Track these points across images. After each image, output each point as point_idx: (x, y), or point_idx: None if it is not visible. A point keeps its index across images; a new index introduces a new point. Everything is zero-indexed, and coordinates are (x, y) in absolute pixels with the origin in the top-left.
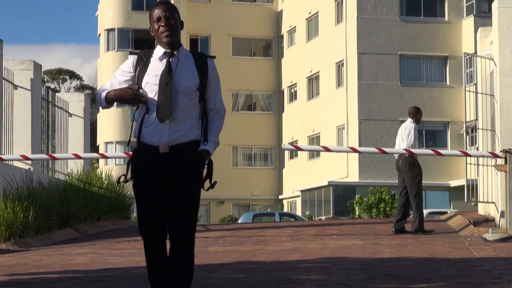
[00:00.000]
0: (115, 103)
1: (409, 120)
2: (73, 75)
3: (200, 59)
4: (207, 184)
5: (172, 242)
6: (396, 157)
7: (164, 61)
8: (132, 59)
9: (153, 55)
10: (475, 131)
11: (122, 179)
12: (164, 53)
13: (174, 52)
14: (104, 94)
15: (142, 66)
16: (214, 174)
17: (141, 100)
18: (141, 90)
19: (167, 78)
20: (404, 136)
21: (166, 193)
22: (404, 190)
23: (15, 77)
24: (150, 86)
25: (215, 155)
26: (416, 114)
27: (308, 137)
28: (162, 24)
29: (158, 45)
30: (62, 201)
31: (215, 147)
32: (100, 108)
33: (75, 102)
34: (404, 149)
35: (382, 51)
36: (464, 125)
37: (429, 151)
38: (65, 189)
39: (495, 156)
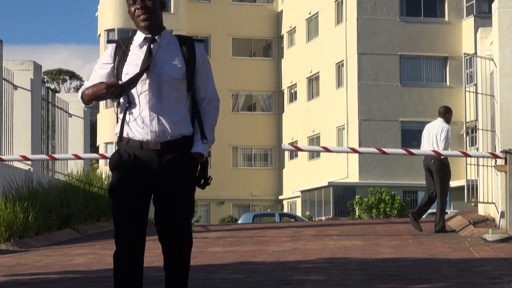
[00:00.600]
0: (101, 102)
1: (440, 120)
2: (73, 75)
3: (186, 44)
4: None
5: (169, 250)
6: (424, 157)
7: (145, 48)
8: (110, 48)
9: (133, 42)
10: (475, 132)
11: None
12: (145, 39)
13: (156, 37)
14: (80, 94)
15: (121, 55)
16: (214, 174)
17: (118, 91)
18: (120, 83)
19: (145, 65)
20: (441, 137)
21: (151, 195)
22: (433, 190)
23: (15, 78)
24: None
25: (215, 155)
26: (446, 113)
27: (308, 137)
28: (138, 6)
29: (138, 31)
30: (62, 202)
31: (210, 146)
32: (102, 108)
33: (75, 102)
34: (404, 150)
35: (382, 51)
36: (464, 125)
37: (429, 151)
38: (65, 189)
39: (495, 156)
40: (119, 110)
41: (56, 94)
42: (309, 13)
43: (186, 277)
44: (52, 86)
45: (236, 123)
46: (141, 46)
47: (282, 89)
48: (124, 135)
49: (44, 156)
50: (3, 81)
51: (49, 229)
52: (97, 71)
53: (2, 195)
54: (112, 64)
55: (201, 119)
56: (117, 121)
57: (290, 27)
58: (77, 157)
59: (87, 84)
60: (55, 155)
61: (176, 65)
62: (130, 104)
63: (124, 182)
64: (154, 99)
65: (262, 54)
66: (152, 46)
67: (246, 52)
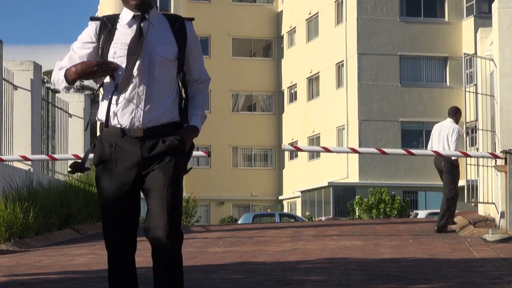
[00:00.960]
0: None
1: (450, 120)
2: None
3: (176, 23)
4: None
5: (155, 238)
6: (434, 158)
7: (134, 26)
8: (94, 26)
9: (119, 20)
10: (475, 132)
11: (74, 167)
12: (134, 17)
13: (145, 15)
14: (62, 72)
15: (107, 34)
16: (214, 174)
17: (110, 68)
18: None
19: (137, 45)
20: (452, 138)
21: (139, 189)
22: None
23: (15, 78)
24: (119, 57)
25: (215, 155)
26: (456, 113)
27: (308, 137)
28: None
29: (124, 8)
30: (62, 202)
31: (202, 121)
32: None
33: (75, 102)
34: (404, 150)
35: (382, 51)
36: (464, 125)
37: (429, 151)
38: (65, 189)
39: (495, 156)
40: (101, 92)
41: (56, 94)
42: (309, 13)
43: (180, 272)
44: (52, 86)
45: (236, 123)
46: (130, 25)
47: (282, 89)
48: (107, 121)
49: (44, 156)
50: (3, 81)
51: (49, 229)
52: (77, 52)
53: (2, 195)
54: (96, 44)
55: (192, 97)
56: (93, 105)
57: (290, 27)
58: (77, 157)
59: (61, 64)
60: (55, 155)
61: (168, 45)
62: (117, 87)
63: (113, 186)
64: (144, 81)
65: (262, 54)
66: (142, 24)
67: (246, 52)
